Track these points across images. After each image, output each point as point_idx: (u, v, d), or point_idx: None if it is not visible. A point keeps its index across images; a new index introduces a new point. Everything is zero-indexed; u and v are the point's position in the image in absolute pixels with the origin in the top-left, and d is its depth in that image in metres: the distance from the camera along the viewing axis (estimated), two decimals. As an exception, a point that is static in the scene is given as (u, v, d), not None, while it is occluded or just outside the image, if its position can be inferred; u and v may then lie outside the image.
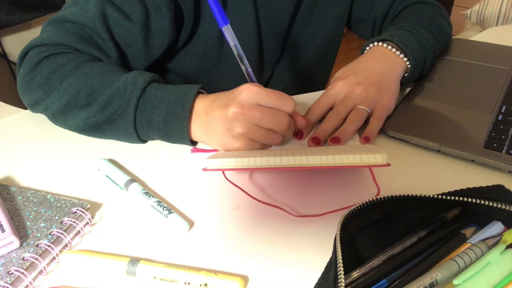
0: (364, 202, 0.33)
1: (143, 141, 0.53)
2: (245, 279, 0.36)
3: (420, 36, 0.63)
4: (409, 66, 0.60)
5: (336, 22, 0.76)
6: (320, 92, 0.57)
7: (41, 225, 0.40)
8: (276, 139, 0.49)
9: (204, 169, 0.43)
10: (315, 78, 0.84)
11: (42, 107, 0.54)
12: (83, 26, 0.55)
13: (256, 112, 0.46)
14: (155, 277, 0.35)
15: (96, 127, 0.52)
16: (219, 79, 0.71)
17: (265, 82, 0.78)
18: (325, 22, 0.74)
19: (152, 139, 0.53)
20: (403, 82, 0.61)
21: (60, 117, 0.53)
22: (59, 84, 0.52)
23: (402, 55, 0.59)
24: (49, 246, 0.38)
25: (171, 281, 0.35)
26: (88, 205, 0.42)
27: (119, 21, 0.55)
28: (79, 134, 0.55)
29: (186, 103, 0.49)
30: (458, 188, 0.34)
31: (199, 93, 0.51)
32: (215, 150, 0.51)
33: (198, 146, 0.53)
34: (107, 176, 0.48)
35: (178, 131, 0.49)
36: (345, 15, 0.77)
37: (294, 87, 0.81)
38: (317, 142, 0.50)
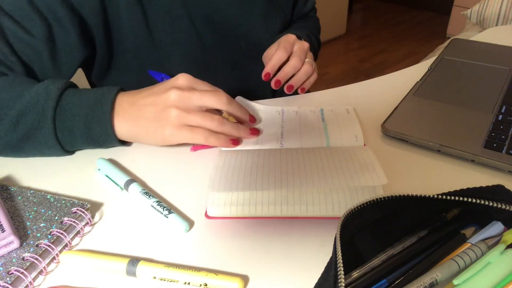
0: (364, 202, 0.33)
1: (68, 152, 0.51)
2: (245, 279, 0.36)
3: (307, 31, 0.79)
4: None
5: (264, 6, 0.72)
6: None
7: (41, 225, 0.40)
8: (216, 121, 0.49)
9: (207, 216, 0.42)
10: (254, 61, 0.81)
11: None
12: None
13: (196, 92, 0.48)
14: (155, 277, 0.35)
15: (13, 147, 0.49)
16: None
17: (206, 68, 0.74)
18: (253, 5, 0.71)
19: (79, 148, 0.52)
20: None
21: None
22: None
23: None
24: (49, 246, 0.38)
25: (171, 281, 0.35)
26: (88, 205, 0.42)
27: (17, 35, 0.52)
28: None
29: (106, 105, 0.47)
30: (458, 188, 0.34)
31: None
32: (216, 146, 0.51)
33: (193, 143, 0.53)
34: (107, 176, 0.48)
35: (102, 134, 0.48)
36: (272, 3, 0.73)
37: (233, 70, 0.77)
38: (277, 84, 0.60)
